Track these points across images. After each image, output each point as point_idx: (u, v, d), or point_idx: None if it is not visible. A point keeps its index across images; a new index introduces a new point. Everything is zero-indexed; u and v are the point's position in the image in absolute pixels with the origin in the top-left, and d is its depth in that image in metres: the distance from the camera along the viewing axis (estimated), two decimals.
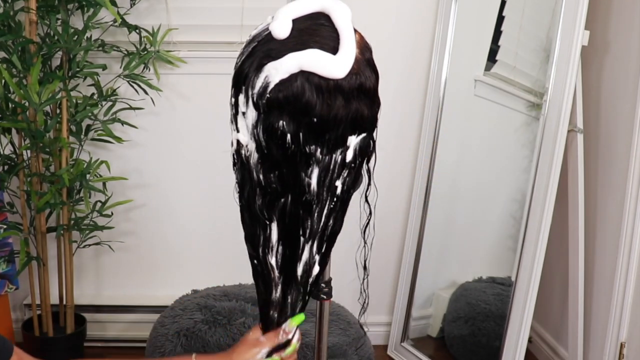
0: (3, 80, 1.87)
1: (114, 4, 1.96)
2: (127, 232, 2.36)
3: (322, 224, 0.95)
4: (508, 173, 2.20)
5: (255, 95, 0.86)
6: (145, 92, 2.11)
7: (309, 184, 0.90)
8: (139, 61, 2.04)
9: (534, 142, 1.99)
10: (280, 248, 0.96)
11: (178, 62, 2.18)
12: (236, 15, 2.20)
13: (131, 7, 2.09)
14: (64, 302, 2.15)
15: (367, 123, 0.90)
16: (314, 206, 0.93)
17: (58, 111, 2.01)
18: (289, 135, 0.87)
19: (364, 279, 1.03)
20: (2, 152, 2.01)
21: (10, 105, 1.91)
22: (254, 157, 0.90)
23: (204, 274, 2.31)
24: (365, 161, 0.94)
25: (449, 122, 2.24)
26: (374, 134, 0.93)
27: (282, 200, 0.92)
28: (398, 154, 2.36)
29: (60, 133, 1.98)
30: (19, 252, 2.04)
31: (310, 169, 0.90)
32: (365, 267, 1.02)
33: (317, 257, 0.98)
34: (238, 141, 0.91)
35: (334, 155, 0.90)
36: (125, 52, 2.08)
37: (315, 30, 0.87)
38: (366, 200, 0.97)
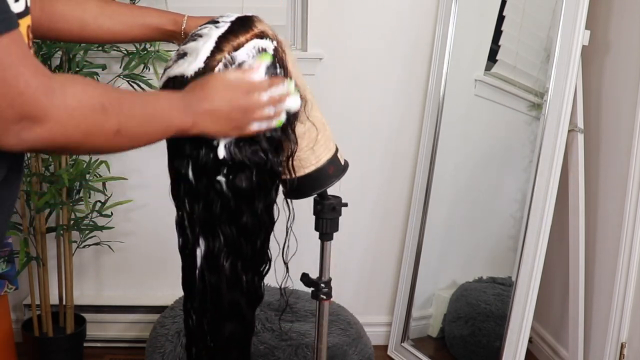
0: None
1: None
2: (127, 232, 2.36)
3: (215, 219, 1.11)
4: (508, 173, 2.21)
5: None
6: None
7: (187, 176, 1.06)
8: (139, 61, 2.03)
9: (534, 142, 1.98)
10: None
11: None
12: None
13: None
14: (64, 302, 2.15)
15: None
16: (197, 199, 1.12)
17: None
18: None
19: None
20: None
21: None
22: None
23: None
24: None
25: (449, 122, 2.24)
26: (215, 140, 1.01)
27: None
28: (398, 153, 2.35)
29: None
30: (18, 252, 2.04)
31: (184, 161, 1.04)
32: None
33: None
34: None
35: (200, 152, 1.02)
36: (125, 52, 2.08)
37: None
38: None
